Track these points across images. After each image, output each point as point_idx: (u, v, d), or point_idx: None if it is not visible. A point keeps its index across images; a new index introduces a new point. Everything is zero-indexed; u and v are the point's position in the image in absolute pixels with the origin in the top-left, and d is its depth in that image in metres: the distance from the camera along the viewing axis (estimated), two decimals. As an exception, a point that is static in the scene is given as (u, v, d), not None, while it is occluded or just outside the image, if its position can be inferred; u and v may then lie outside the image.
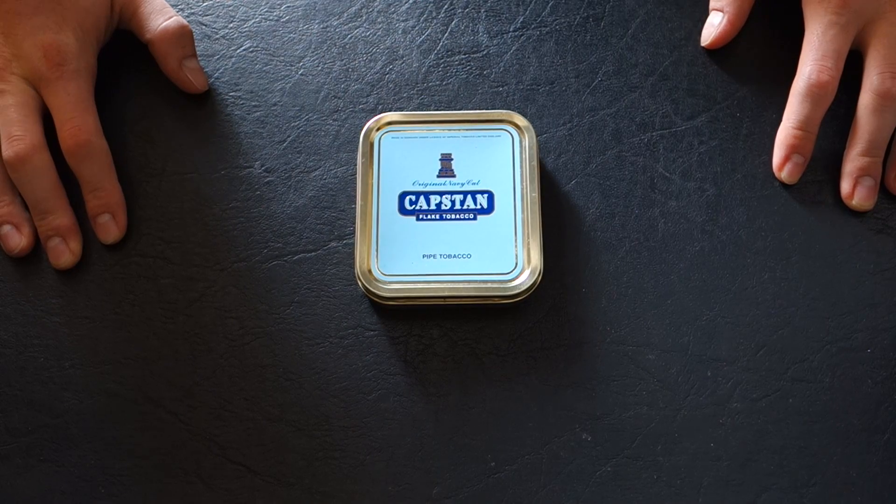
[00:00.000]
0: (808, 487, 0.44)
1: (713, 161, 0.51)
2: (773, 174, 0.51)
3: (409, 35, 0.55)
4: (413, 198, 0.49)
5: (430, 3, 0.56)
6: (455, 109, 0.53)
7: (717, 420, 0.46)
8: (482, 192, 0.49)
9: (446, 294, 0.47)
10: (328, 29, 0.55)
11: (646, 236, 0.50)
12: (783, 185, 0.51)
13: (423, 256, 0.47)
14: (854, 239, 0.49)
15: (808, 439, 0.45)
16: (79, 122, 0.49)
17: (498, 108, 0.53)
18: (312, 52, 0.55)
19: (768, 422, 0.46)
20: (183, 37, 0.52)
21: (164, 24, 0.52)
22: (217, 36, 0.55)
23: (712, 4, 0.55)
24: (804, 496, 0.44)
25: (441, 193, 0.49)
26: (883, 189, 0.50)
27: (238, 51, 0.55)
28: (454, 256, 0.47)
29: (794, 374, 0.47)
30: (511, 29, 0.55)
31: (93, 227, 0.50)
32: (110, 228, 0.50)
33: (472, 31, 0.55)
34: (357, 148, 0.51)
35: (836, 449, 0.45)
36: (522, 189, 0.49)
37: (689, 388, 0.46)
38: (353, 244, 0.49)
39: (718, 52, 0.54)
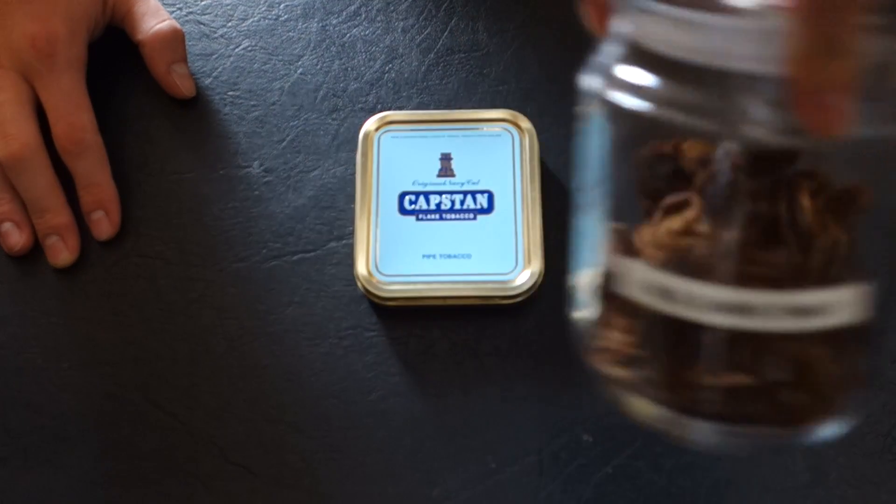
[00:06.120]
0: (808, 487, 0.44)
1: (713, 160, 0.51)
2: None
3: (409, 34, 0.55)
4: (413, 197, 0.48)
5: (429, 1, 0.56)
6: (455, 108, 0.53)
7: (717, 420, 0.46)
8: (482, 192, 0.48)
9: (446, 294, 0.46)
10: (327, 28, 0.55)
11: (646, 236, 0.49)
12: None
13: (423, 256, 0.47)
14: (855, 238, 0.49)
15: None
16: (73, 118, 0.49)
17: (498, 108, 0.53)
18: (311, 51, 0.55)
19: (769, 422, 0.45)
20: (175, 41, 0.52)
21: (157, 26, 0.52)
22: (215, 35, 0.55)
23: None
24: (804, 496, 0.44)
25: (441, 193, 0.49)
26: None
27: (236, 50, 0.55)
28: (454, 256, 0.47)
29: (795, 374, 0.46)
30: (511, 27, 0.55)
31: (87, 223, 0.50)
32: (103, 225, 0.49)
33: (472, 29, 0.55)
34: (356, 147, 0.51)
35: (837, 449, 0.45)
36: (523, 189, 0.48)
37: (690, 389, 0.46)
38: (352, 244, 0.49)
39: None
